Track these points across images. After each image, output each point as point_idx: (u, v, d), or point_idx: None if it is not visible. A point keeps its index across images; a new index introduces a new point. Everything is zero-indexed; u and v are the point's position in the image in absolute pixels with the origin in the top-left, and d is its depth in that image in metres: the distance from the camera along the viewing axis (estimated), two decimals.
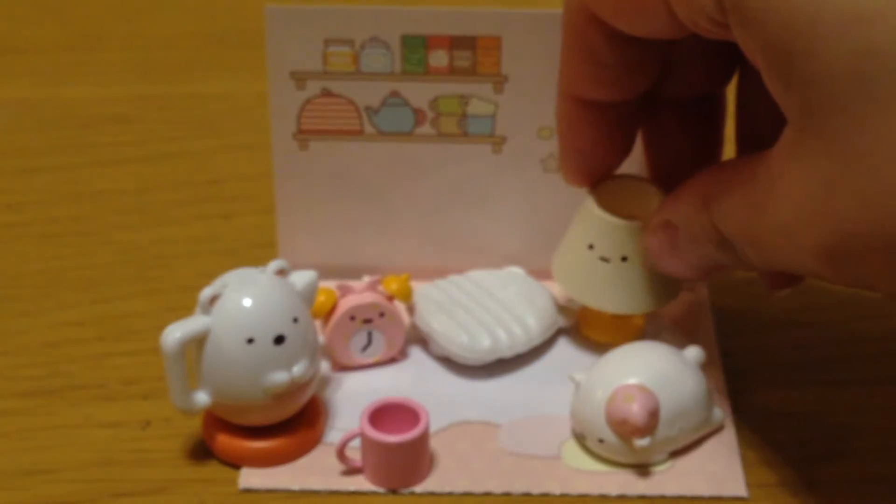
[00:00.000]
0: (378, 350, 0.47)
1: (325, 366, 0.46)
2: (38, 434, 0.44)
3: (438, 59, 0.47)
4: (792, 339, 0.48)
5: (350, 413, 0.44)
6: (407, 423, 0.42)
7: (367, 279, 0.47)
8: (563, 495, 0.42)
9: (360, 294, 0.46)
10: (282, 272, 0.43)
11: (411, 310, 0.47)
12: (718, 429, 0.44)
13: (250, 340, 0.41)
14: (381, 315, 0.46)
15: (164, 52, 0.69)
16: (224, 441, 0.43)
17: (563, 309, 0.48)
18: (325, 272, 0.48)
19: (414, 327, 0.48)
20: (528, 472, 0.43)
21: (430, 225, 0.50)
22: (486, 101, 0.47)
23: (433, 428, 0.43)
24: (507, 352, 0.46)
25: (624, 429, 0.41)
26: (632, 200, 0.45)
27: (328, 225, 0.50)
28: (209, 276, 0.43)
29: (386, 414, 0.42)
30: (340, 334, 0.46)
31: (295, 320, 0.42)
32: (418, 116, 0.48)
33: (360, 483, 0.42)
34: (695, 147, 0.44)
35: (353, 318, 0.46)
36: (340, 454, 0.42)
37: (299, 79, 0.47)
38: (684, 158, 0.44)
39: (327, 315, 0.46)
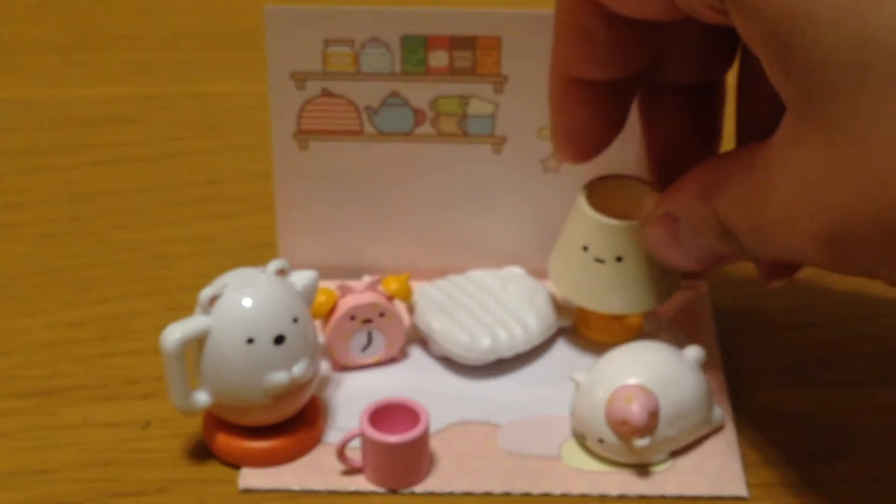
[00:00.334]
0: (378, 350, 0.47)
1: (325, 366, 0.46)
2: (38, 434, 0.44)
3: (438, 59, 0.47)
4: (792, 339, 0.48)
5: (350, 413, 0.44)
6: (407, 424, 0.42)
7: (367, 279, 0.47)
8: (563, 495, 0.42)
9: (360, 294, 0.46)
10: (282, 272, 0.43)
11: (411, 310, 0.47)
12: (718, 429, 0.44)
13: (250, 340, 0.41)
14: (381, 315, 0.46)
15: (164, 53, 0.69)
16: (224, 441, 0.43)
17: (562, 309, 0.48)
18: (325, 272, 0.48)
19: (414, 327, 0.48)
20: (528, 472, 0.43)
21: (430, 225, 0.50)
22: (486, 101, 0.47)
23: (433, 428, 0.43)
24: (507, 352, 0.46)
25: (624, 429, 0.41)
26: (624, 200, 0.45)
27: (328, 225, 0.50)
28: (209, 276, 0.43)
29: (386, 414, 0.42)
30: (340, 334, 0.46)
31: (295, 320, 0.42)
32: (418, 116, 0.48)
33: (360, 483, 0.42)
34: (693, 135, 0.44)
35: (353, 318, 0.46)
36: (340, 454, 0.42)
37: (299, 79, 0.47)
38: (683, 146, 0.44)
39: (327, 315, 0.46)
